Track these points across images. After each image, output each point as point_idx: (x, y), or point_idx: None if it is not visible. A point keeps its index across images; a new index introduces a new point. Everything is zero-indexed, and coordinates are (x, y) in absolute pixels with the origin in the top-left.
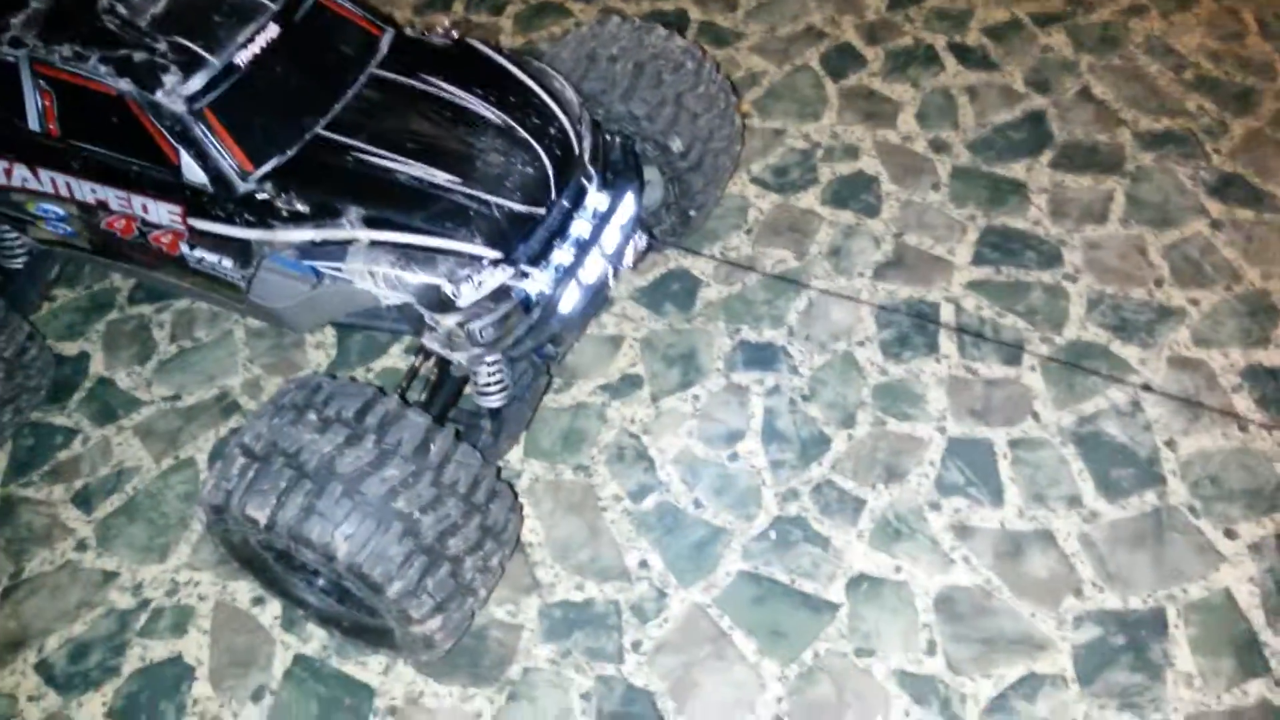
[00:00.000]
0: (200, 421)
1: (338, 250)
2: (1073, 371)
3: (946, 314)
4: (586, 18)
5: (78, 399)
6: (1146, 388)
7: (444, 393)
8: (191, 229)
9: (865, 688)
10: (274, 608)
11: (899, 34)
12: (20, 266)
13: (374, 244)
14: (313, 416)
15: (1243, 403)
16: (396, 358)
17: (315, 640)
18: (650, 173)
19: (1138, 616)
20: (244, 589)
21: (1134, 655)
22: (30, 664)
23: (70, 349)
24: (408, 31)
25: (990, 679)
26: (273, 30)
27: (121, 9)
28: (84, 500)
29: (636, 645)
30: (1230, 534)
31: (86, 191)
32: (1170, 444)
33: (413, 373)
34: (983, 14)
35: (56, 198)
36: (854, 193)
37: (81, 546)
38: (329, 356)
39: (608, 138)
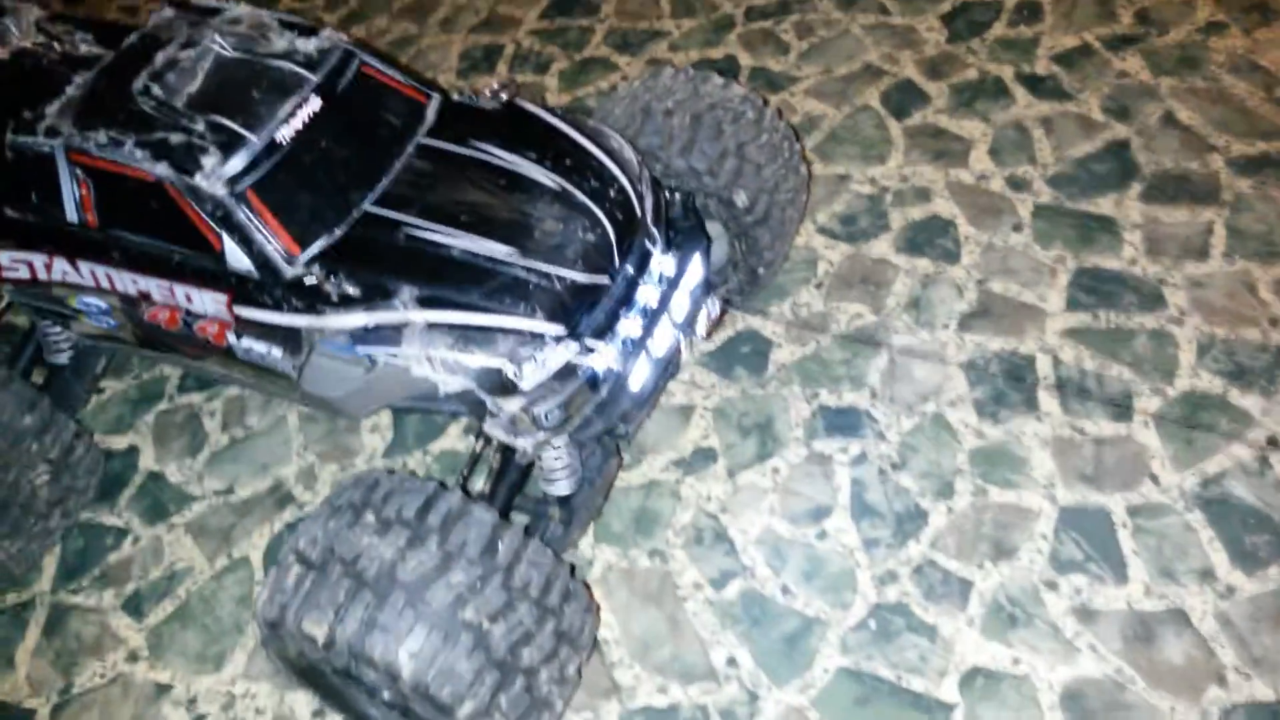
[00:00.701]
0: (254, 516)
1: (392, 334)
2: (1191, 427)
3: (1044, 367)
4: (633, 71)
5: (128, 496)
6: (1273, 442)
7: (508, 481)
8: (238, 318)
9: None
10: None
11: (963, 67)
12: (65, 361)
13: (430, 326)
14: (370, 518)
15: None
16: (455, 438)
17: None
18: (714, 229)
19: None
20: (303, 701)
21: None
22: None
23: (119, 442)
24: (455, 96)
25: None
26: (315, 103)
27: (157, 90)
28: (135, 607)
29: None
30: None
31: (128, 283)
32: None
33: (474, 459)
34: (1050, 41)
35: (97, 290)
36: (929, 238)
37: (133, 657)
38: (385, 440)
39: (668, 195)
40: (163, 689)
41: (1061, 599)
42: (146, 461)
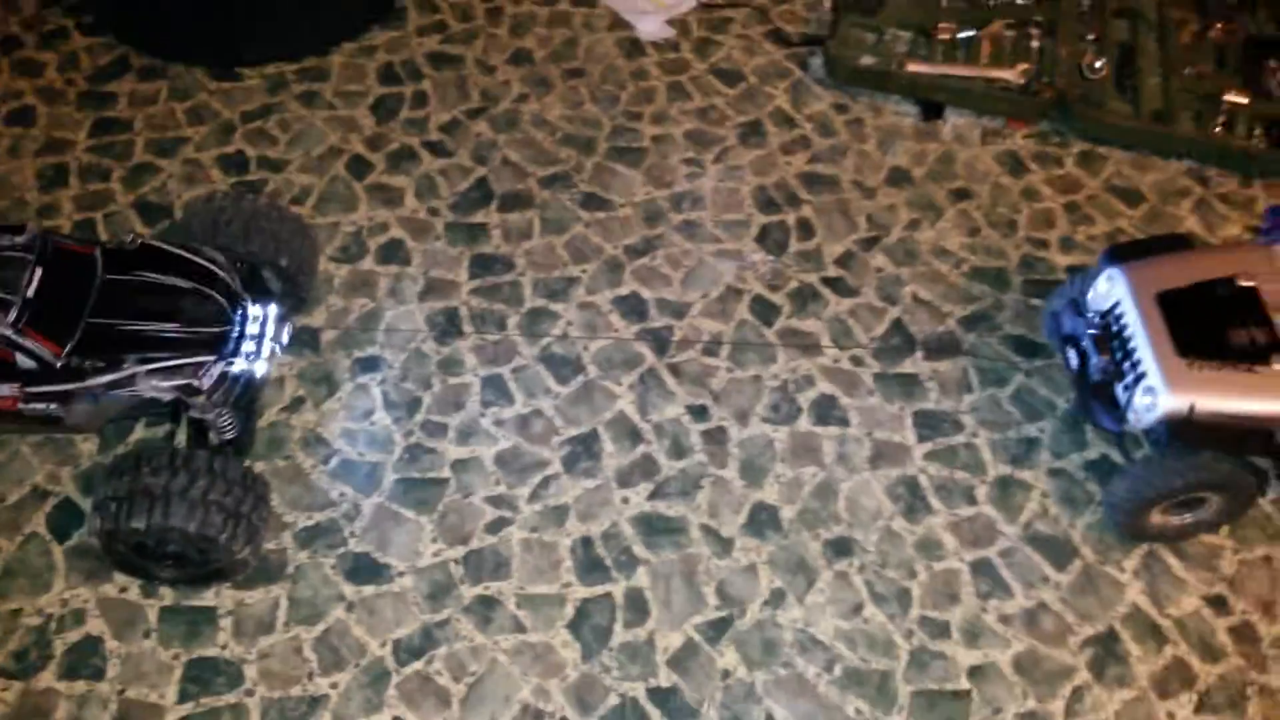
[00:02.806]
0: (28, 509)
1: (128, 381)
2: (536, 324)
3: (464, 313)
4: (174, 169)
5: None
6: (569, 324)
7: (202, 436)
8: (26, 393)
9: (470, 510)
10: (135, 589)
11: (389, 141)
12: None
13: (149, 372)
14: (146, 469)
15: (618, 320)
16: (141, 431)
17: (169, 596)
18: (271, 279)
19: (586, 433)
20: (111, 586)
21: (587, 454)
22: None
23: None
24: (109, 245)
25: (528, 485)
26: (39, 270)
27: None
28: None
29: (351, 534)
30: (619, 383)
31: None
32: (586, 349)
33: (172, 433)
34: (436, 118)
35: None
36: (394, 251)
37: None
38: (94, 443)
39: (244, 268)
40: (16, 611)
41: (514, 418)
42: None
